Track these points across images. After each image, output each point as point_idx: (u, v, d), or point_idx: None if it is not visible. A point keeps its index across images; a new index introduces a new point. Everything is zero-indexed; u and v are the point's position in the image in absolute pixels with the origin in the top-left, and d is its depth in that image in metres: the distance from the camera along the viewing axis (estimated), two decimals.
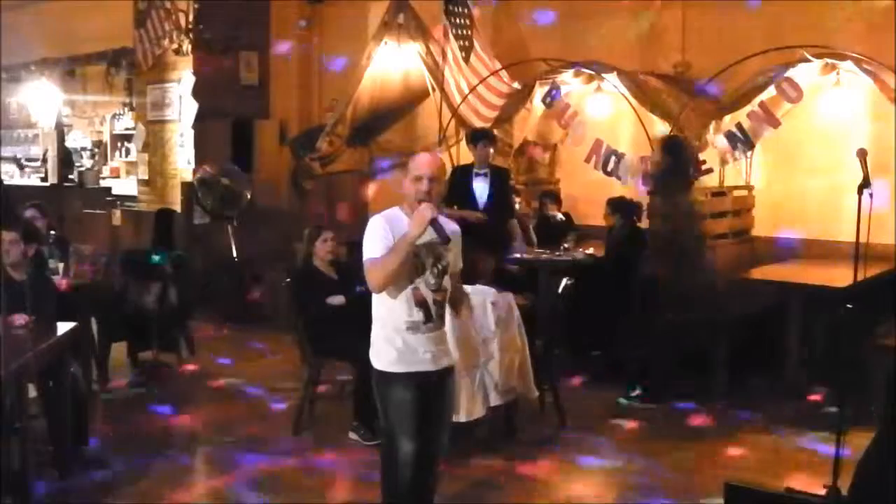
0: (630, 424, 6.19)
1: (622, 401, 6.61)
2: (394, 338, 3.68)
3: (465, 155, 8.71)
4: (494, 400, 5.44)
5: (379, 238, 3.60)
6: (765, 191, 8.26)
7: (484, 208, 7.30)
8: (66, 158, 13.20)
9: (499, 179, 7.47)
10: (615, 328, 7.04)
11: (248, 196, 9.69)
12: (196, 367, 7.56)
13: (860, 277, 4.40)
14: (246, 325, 9.01)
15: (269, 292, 9.18)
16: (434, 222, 3.52)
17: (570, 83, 8.64)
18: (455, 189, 7.19)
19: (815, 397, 6.49)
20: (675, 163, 6.74)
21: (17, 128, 14.58)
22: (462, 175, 7.46)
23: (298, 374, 6.35)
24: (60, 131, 13.37)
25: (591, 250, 7.69)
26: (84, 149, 13.81)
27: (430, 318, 3.69)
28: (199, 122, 10.11)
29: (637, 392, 6.62)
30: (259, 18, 10.55)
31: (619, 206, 7.42)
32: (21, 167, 14.22)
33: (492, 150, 7.51)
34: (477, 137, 7.48)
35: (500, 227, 7.36)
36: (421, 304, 3.67)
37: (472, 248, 6.52)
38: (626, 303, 6.87)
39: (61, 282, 6.25)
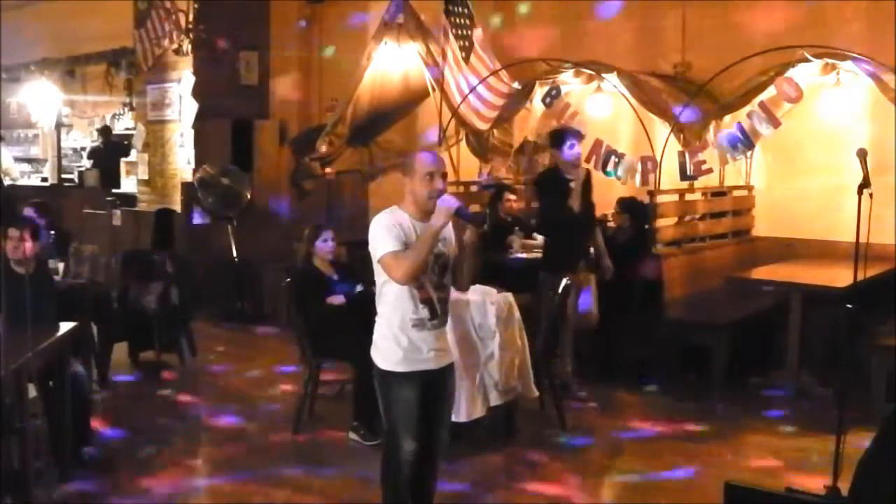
0: (630, 424, 6.19)
1: None
2: (399, 336, 3.68)
3: (465, 154, 8.73)
4: (494, 400, 5.44)
5: (392, 233, 3.61)
6: (765, 191, 8.27)
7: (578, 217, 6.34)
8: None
9: (588, 185, 6.50)
10: (616, 328, 7.04)
11: (248, 196, 9.69)
12: (196, 367, 7.55)
13: (860, 277, 4.40)
14: (246, 325, 9.01)
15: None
16: (459, 210, 3.56)
17: (570, 83, 8.64)
18: (556, 196, 6.36)
19: (814, 397, 6.50)
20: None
21: (17, 128, 14.58)
22: (558, 181, 6.41)
23: (298, 374, 6.34)
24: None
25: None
26: (84, 149, 13.81)
27: (436, 314, 3.72)
28: (199, 122, 10.11)
29: None
30: (259, 18, 10.55)
31: (628, 207, 7.42)
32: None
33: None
34: (565, 136, 6.41)
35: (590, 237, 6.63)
36: (426, 301, 3.69)
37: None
38: (627, 303, 6.86)
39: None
